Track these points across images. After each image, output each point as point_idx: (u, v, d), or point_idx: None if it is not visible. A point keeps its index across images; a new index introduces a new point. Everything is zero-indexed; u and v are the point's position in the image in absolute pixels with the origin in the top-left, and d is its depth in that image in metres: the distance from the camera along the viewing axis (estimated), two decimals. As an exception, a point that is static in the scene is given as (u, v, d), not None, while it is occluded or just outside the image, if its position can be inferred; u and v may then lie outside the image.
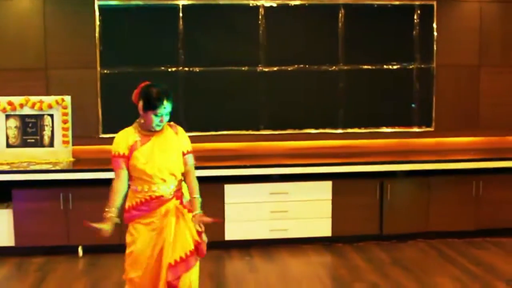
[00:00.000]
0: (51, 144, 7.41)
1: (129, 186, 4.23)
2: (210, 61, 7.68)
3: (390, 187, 7.15)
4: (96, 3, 7.49)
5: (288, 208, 6.99)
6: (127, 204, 4.23)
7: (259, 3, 7.71)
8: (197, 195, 4.29)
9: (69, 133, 7.41)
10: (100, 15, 7.50)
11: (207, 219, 4.19)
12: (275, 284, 5.99)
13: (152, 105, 4.12)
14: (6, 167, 6.91)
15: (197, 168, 6.81)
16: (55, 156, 7.37)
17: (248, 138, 7.78)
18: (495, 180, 7.37)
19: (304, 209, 7.03)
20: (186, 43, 7.64)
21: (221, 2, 7.66)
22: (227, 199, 6.99)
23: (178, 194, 4.23)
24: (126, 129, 4.29)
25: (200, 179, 6.81)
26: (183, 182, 4.32)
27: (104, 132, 7.55)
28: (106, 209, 4.10)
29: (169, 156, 4.19)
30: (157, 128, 4.19)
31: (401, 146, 7.97)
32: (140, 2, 7.55)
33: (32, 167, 6.92)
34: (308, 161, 7.13)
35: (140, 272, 4.14)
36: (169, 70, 7.63)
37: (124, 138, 4.20)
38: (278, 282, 6.02)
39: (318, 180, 7.05)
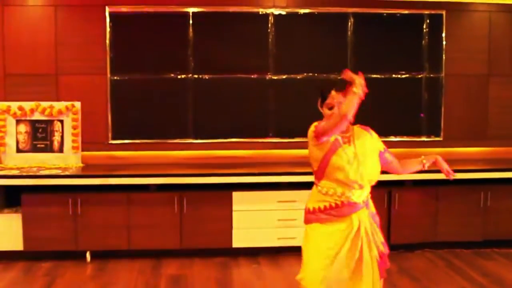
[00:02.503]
0: (60, 150, 7.45)
1: (313, 184, 4.09)
2: (219, 69, 7.71)
3: (398, 197, 7.15)
4: (107, 10, 7.53)
5: (296, 216, 6.97)
6: (312, 206, 4.03)
7: (268, 11, 7.74)
8: (422, 158, 4.24)
9: (79, 138, 7.45)
10: (110, 22, 7.55)
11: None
12: (282, 292, 6.00)
13: (322, 97, 3.92)
14: (16, 172, 6.95)
15: (205, 175, 6.91)
16: (64, 162, 7.41)
17: (257, 146, 7.79)
18: (503, 191, 7.36)
19: (312, 217, 7.02)
20: (195, 51, 7.67)
21: (231, 10, 7.69)
22: (235, 207, 7.00)
23: (367, 203, 4.01)
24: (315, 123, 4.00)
25: (208, 186, 6.92)
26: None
27: (113, 138, 7.60)
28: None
29: (370, 161, 3.95)
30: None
31: (409, 156, 7.91)
32: (151, 9, 7.59)
33: (41, 172, 6.96)
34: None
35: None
36: (179, 77, 7.66)
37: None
38: (285, 290, 6.04)
39: (326, 189, 7.04)
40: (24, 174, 6.88)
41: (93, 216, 6.85)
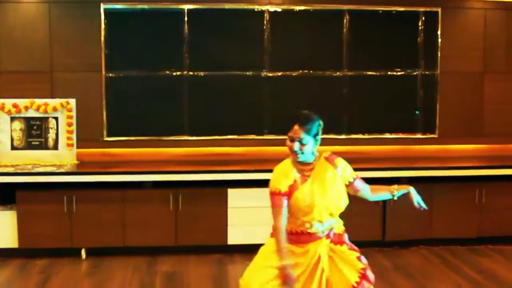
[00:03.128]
0: (55, 147, 7.44)
1: None
2: (214, 66, 7.70)
3: (393, 193, 7.14)
4: (102, 7, 7.51)
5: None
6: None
7: (264, 8, 7.73)
8: (393, 188, 4.11)
9: (74, 135, 7.44)
10: (105, 18, 7.53)
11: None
12: (277, 289, 5.99)
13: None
14: (10, 169, 6.94)
15: (200, 172, 6.91)
16: (59, 159, 7.40)
17: (252, 143, 7.79)
18: (498, 188, 7.38)
19: (307, 215, 7.02)
20: (191, 47, 7.66)
21: (226, 7, 7.68)
22: (230, 203, 7.00)
23: (329, 234, 3.95)
24: (284, 162, 4.00)
25: (204, 183, 6.91)
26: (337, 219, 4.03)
27: (108, 135, 7.58)
28: (281, 256, 3.73)
29: (329, 196, 3.86)
30: (295, 157, 3.87)
31: (405, 153, 7.98)
32: (146, 6, 7.58)
33: (36, 169, 6.95)
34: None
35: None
36: (174, 74, 7.65)
37: (284, 174, 3.90)
38: (280, 287, 6.02)
39: (321, 186, 7.05)
40: (19, 171, 6.86)
41: (88, 213, 6.84)
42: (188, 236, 6.98)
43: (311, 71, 7.85)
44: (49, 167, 7.12)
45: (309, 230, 3.88)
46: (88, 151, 7.55)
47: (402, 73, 7.99)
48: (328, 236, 3.94)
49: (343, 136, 7.90)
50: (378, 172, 7.02)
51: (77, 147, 7.48)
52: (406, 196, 4.20)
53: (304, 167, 3.91)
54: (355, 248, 3.99)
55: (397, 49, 8.00)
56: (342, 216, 4.00)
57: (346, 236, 4.04)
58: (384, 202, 7.12)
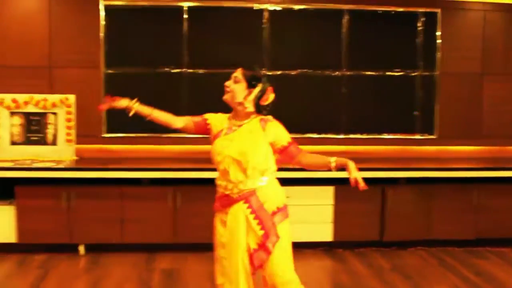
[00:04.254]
0: (54, 142, 7.43)
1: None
2: (214, 63, 7.69)
3: (392, 194, 7.17)
4: (101, 3, 7.51)
5: (289, 212, 6.99)
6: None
7: (263, 7, 7.74)
8: (329, 158, 3.98)
9: (73, 131, 7.43)
10: (105, 15, 7.53)
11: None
12: None
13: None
14: (9, 164, 6.92)
15: (198, 169, 6.91)
16: (58, 154, 7.39)
17: (251, 141, 7.78)
18: (496, 190, 7.39)
19: (305, 214, 7.04)
20: (190, 45, 7.67)
21: (225, 5, 7.69)
22: (228, 201, 7.00)
23: (249, 198, 3.98)
24: (223, 114, 4.24)
25: (202, 180, 6.90)
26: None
27: (107, 132, 7.58)
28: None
29: (243, 151, 3.91)
30: (224, 96, 4.11)
31: (403, 153, 8.00)
32: (145, 3, 7.58)
33: (35, 165, 6.94)
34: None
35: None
36: (173, 71, 7.66)
37: (217, 118, 4.22)
38: (278, 286, 6.03)
39: (320, 185, 7.07)
40: (18, 166, 6.85)
41: (86, 209, 6.84)
42: (187, 233, 6.98)
43: (310, 70, 7.86)
44: (48, 162, 7.10)
45: (226, 192, 3.99)
46: (87, 147, 7.55)
47: (401, 73, 8.01)
48: (247, 200, 3.96)
49: (341, 136, 7.91)
50: (376, 172, 7.03)
51: (76, 143, 7.46)
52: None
53: (235, 122, 4.07)
54: (271, 231, 4.00)
55: (396, 50, 8.01)
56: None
57: (277, 217, 4.07)
58: (383, 203, 7.14)
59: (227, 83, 4.08)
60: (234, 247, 3.96)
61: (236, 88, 4.03)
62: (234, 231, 3.96)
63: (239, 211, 3.96)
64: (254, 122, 4.04)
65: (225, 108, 4.13)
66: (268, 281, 4.03)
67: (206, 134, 4.22)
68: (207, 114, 4.24)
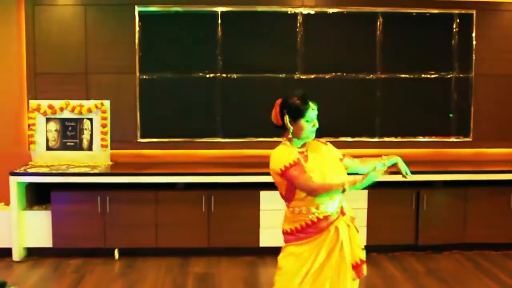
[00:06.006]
0: (89, 148, 7.51)
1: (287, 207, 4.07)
2: (247, 68, 7.71)
3: (427, 197, 7.11)
4: (137, 9, 7.57)
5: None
6: (288, 227, 4.01)
7: (297, 11, 7.73)
8: (383, 159, 4.13)
9: (108, 137, 7.51)
10: (140, 21, 7.58)
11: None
12: (309, 291, 5.98)
13: (301, 111, 3.93)
14: (45, 170, 7.02)
15: (232, 174, 6.93)
16: (93, 160, 7.47)
17: (285, 145, 7.77)
18: (533, 192, 7.28)
19: (339, 217, 7.00)
20: (224, 50, 7.68)
21: (259, 9, 7.69)
22: (262, 206, 7.01)
23: (343, 211, 3.95)
24: (281, 146, 4.05)
25: (236, 185, 6.92)
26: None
27: (142, 137, 7.62)
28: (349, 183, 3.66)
29: (332, 168, 3.90)
30: (312, 135, 3.97)
31: (438, 156, 7.91)
32: (180, 9, 7.62)
33: (70, 170, 7.03)
34: (344, 169, 7.10)
35: None
36: (207, 76, 7.68)
37: (288, 152, 3.93)
38: (312, 290, 6.02)
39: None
40: (54, 171, 6.95)
41: (121, 214, 6.91)
42: (220, 237, 7.01)
43: (344, 74, 7.82)
44: (83, 167, 7.19)
45: (325, 213, 3.85)
46: (122, 152, 7.61)
47: (436, 75, 7.93)
48: (343, 213, 3.94)
49: (376, 139, 7.86)
50: (411, 175, 6.94)
51: (111, 148, 7.54)
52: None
53: (299, 149, 3.98)
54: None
55: (431, 52, 7.92)
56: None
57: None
58: (417, 207, 7.08)
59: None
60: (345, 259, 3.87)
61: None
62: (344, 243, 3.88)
63: (341, 223, 3.92)
64: (312, 142, 4.12)
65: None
66: None
67: None
68: (288, 162, 3.90)
